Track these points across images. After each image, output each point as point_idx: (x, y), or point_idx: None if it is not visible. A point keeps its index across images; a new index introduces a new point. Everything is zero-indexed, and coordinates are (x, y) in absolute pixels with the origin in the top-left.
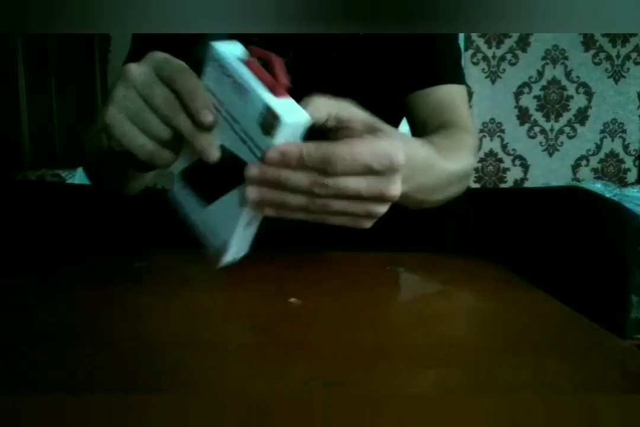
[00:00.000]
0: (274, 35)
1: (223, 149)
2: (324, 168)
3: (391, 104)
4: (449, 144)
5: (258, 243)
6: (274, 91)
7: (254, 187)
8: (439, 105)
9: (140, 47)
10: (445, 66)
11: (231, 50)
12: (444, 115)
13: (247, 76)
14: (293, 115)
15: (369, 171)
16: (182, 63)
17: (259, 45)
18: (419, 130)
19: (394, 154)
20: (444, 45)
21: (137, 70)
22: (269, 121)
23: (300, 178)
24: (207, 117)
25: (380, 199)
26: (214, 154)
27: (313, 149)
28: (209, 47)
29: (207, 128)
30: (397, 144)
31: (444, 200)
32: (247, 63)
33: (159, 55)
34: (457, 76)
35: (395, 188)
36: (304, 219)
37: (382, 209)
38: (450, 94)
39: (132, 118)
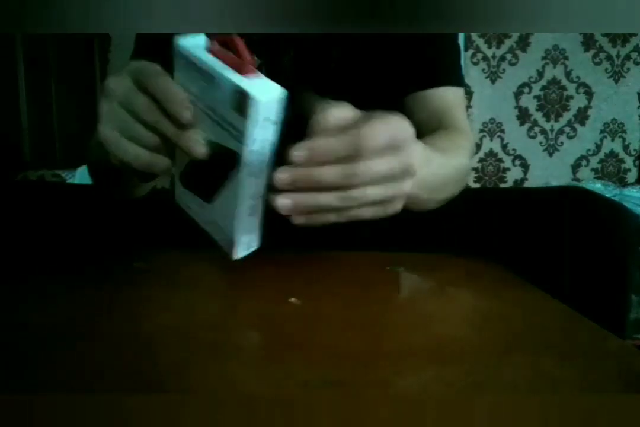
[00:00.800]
0: (274, 34)
1: (211, 143)
2: (354, 155)
3: (390, 106)
4: (444, 145)
5: (272, 244)
6: (241, 70)
7: (285, 194)
8: (436, 107)
9: (143, 46)
10: (444, 68)
11: (194, 43)
12: (441, 117)
13: (213, 63)
14: (265, 91)
15: (392, 147)
16: (157, 67)
17: (260, 44)
18: (417, 132)
19: (406, 125)
20: (444, 47)
21: (115, 83)
22: (241, 102)
23: (333, 172)
24: (184, 115)
25: (407, 172)
26: (200, 150)
27: (339, 138)
28: (173, 44)
29: (188, 126)
30: (400, 117)
31: (443, 201)
32: (210, 50)
33: (135, 64)
34: (455, 78)
35: (415, 157)
36: (334, 222)
37: (409, 184)
38: (448, 96)
39: (122, 131)
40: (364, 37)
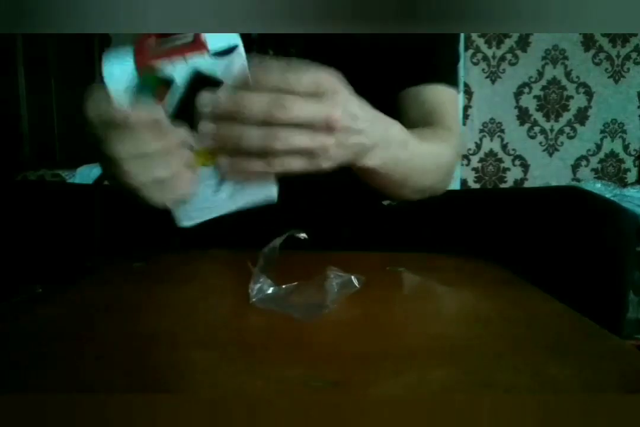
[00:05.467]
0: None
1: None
2: (278, 100)
3: (385, 100)
4: (426, 135)
5: (258, 243)
6: (189, 50)
7: (211, 120)
8: (428, 104)
9: None
10: (440, 67)
11: (118, 73)
12: (431, 114)
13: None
14: (222, 41)
15: (315, 94)
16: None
17: (260, 41)
18: (407, 127)
19: (333, 78)
20: (442, 48)
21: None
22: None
23: (259, 100)
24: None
25: (330, 124)
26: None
27: (267, 81)
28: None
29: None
30: (330, 71)
31: (422, 191)
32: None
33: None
34: (450, 79)
35: (339, 111)
36: (262, 172)
37: (330, 140)
38: (440, 95)
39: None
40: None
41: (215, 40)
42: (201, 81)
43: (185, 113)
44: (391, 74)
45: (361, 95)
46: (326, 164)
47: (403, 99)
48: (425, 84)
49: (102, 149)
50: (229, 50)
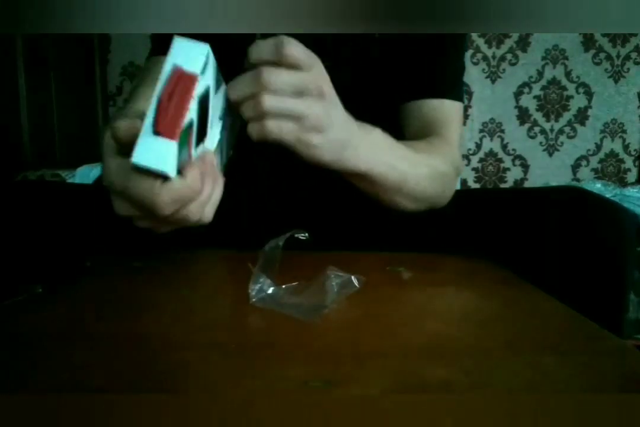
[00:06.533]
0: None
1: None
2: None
3: (387, 112)
4: (421, 146)
5: (258, 243)
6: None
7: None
8: (429, 117)
9: (161, 45)
10: (445, 81)
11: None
12: (432, 128)
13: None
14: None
15: (299, 66)
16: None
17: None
18: (408, 140)
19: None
20: (448, 60)
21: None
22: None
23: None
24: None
25: (318, 93)
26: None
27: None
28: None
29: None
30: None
31: (422, 200)
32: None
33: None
34: (455, 93)
35: (325, 80)
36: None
37: (320, 107)
38: (443, 108)
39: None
40: (372, 41)
41: (190, 61)
42: (206, 101)
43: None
44: (395, 85)
45: (363, 104)
46: (316, 139)
47: (405, 111)
48: (429, 98)
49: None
50: (206, 62)
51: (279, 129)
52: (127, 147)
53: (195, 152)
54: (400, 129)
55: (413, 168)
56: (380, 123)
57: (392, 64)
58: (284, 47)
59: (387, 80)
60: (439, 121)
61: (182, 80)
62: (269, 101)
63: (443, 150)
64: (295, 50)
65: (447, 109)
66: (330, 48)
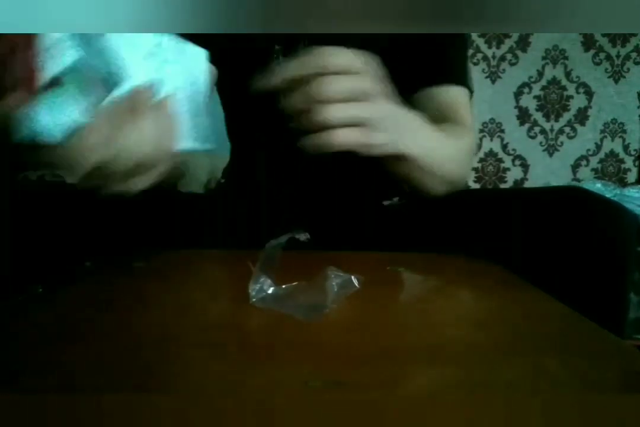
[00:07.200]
0: None
1: None
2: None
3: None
4: (446, 130)
5: (258, 243)
6: None
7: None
8: (442, 104)
9: None
10: (453, 68)
11: None
12: (445, 114)
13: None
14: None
15: (347, 72)
16: None
17: (268, 38)
18: None
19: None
20: (454, 49)
21: None
22: None
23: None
24: None
25: (364, 94)
26: None
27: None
28: None
29: None
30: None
31: (451, 182)
32: None
33: None
34: (462, 79)
35: (369, 83)
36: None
37: (372, 108)
38: (454, 94)
39: None
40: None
41: None
42: None
43: None
44: (404, 75)
45: None
46: (377, 137)
47: (417, 100)
48: (439, 86)
49: None
50: None
51: (346, 138)
52: None
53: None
54: None
55: (447, 152)
56: None
57: (399, 53)
58: (329, 56)
59: (395, 71)
60: (451, 106)
61: None
62: (335, 112)
63: (461, 133)
64: (342, 57)
65: (457, 95)
66: (335, 40)
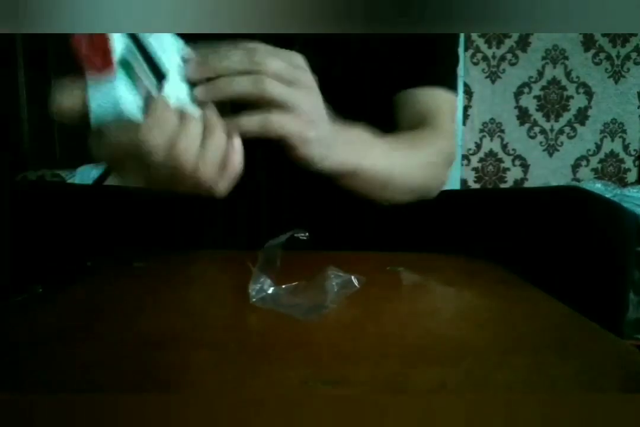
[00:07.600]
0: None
1: None
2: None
3: (381, 103)
4: (407, 137)
5: (258, 244)
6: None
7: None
8: (422, 107)
9: None
10: (438, 70)
11: None
12: (424, 117)
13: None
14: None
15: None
16: None
17: (268, 36)
18: (399, 129)
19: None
20: (441, 51)
21: None
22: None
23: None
24: None
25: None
26: None
27: None
28: None
29: None
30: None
31: (411, 191)
32: None
33: None
34: (448, 82)
35: (310, 78)
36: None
37: (301, 95)
38: (436, 97)
39: None
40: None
41: None
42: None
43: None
44: (389, 76)
45: (358, 96)
46: (311, 133)
47: (399, 101)
48: (422, 87)
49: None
50: None
51: (279, 122)
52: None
53: (156, 91)
54: (393, 122)
55: (399, 160)
56: (372, 116)
57: (385, 54)
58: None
59: (380, 71)
60: (431, 111)
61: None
62: (271, 85)
63: (431, 141)
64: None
65: (440, 98)
66: (321, 39)
